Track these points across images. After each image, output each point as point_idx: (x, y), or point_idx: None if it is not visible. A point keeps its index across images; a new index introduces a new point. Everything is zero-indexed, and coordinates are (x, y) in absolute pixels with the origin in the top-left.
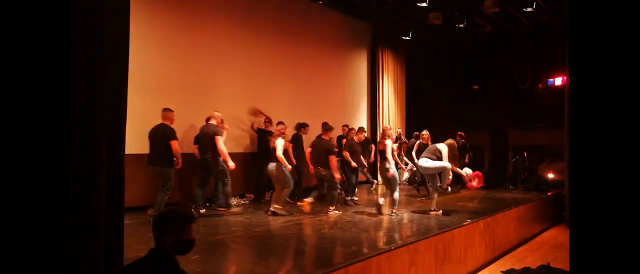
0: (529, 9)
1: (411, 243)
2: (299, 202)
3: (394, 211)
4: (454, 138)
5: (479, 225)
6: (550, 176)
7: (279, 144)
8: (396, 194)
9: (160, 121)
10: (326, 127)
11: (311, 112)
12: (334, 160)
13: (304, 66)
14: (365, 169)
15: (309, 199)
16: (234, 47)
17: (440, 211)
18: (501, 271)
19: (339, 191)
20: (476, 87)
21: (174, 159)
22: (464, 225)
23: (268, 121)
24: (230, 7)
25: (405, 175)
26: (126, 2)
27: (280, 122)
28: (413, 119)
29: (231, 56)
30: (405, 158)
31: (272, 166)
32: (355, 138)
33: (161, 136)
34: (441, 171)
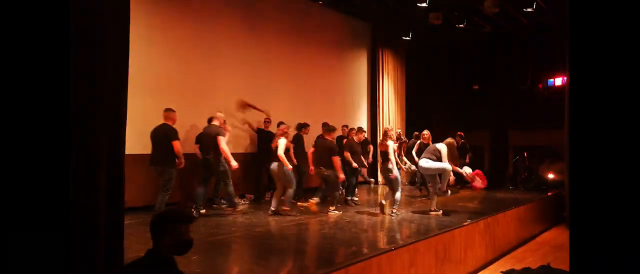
0: (529, 9)
1: (411, 243)
2: (298, 203)
3: (394, 211)
4: (454, 138)
5: (479, 225)
6: (551, 176)
7: (281, 143)
8: (397, 195)
9: (162, 121)
10: (329, 128)
11: (311, 112)
12: (338, 160)
13: (304, 66)
14: (363, 170)
15: (315, 200)
16: (234, 47)
17: (441, 212)
18: (501, 272)
19: (340, 191)
20: (476, 87)
21: (176, 159)
22: (464, 225)
23: (268, 121)
24: (231, 8)
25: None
26: (126, 2)
27: (281, 123)
28: (413, 119)
29: (231, 56)
30: (405, 158)
31: (274, 165)
32: (355, 138)
33: (163, 136)
34: (441, 173)
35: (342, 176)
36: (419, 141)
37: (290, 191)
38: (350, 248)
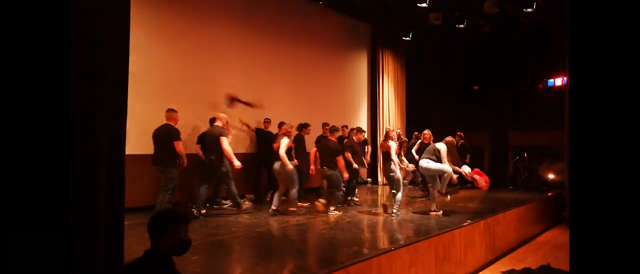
0: (529, 9)
1: (411, 243)
2: (299, 203)
3: (394, 211)
4: (454, 138)
5: (479, 225)
6: (551, 176)
7: (283, 143)
8: (399, 195)
9: (164, 121)
10: (332, 129)
11: (311, 112)
12: (341, 160)
13: (304, 66)
14: (362, 170)
15: (322, 201)
16: (235, 47)
17: (441, 212)
18: (501, 272)
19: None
20: (476, 87)
21: (179, 160)
22: (464, 226)
23: (267, 121)
24: (231, 8)
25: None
26: (126, 2)
27: (282, 123)
28: (413, 120)
29: (232, 57)
30: (404, 158)
31: (277, 165)
32: (355, 138)
33: (165, 136)
34: (441, 174)
35: (346, 175)
36: (419, 141)
37: (294, 191)
38: (351, 248)
